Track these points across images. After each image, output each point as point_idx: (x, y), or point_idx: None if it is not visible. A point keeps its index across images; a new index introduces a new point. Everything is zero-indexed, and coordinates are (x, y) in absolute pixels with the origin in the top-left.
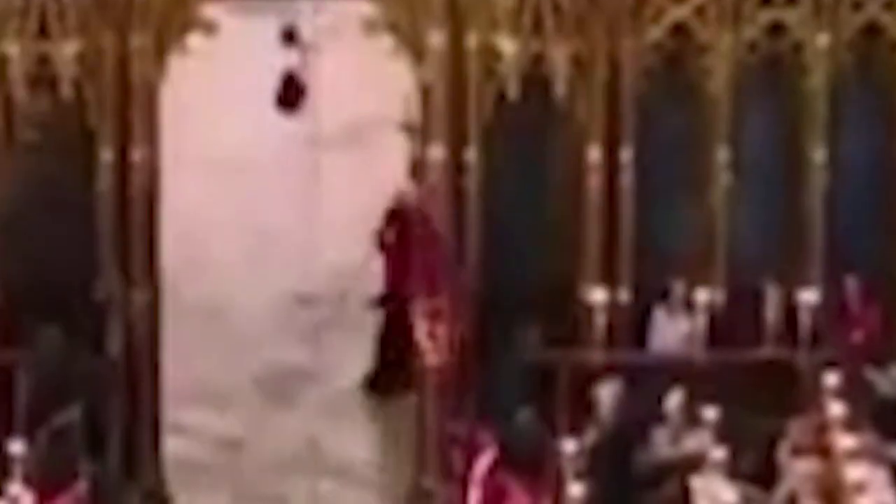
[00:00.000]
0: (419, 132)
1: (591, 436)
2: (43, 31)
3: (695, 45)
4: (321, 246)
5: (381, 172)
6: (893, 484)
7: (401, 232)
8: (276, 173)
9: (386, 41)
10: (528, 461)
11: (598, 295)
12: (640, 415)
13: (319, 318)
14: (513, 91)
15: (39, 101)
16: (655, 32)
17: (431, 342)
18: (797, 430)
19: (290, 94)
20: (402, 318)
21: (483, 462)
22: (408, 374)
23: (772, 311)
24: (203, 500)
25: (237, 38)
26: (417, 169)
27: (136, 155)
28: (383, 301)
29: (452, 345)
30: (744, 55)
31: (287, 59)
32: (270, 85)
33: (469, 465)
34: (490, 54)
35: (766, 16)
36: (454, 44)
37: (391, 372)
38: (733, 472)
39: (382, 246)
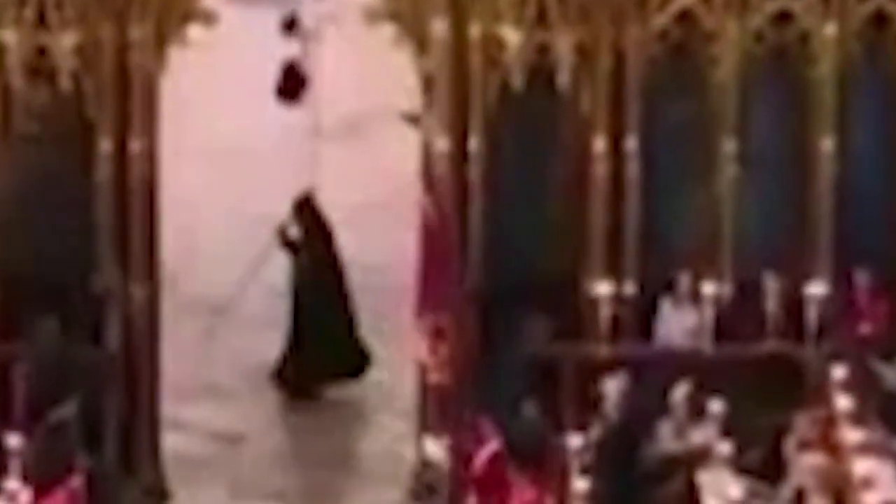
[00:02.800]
0: (423, 123)
1: (596, 430)
2: (41, 21)
3: (701, 34)
4: None
5: (382, 164)
6: None
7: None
8: (277, 165)
9: (388, 30)
10: (532, 456)
11: (603, 287)
12: (646, 409)
13: None
14: (517, 81)
15: (38, 92)
16: (661, 20)
17: (432, 360)
18: (804, 423)
19: (291, 84)
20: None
21: (484, 454)
22: (322, 366)
23: (772, 303)
24: (202, 495)
25: (237, 28)
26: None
27: (136, 146)
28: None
29: (454, 363)
30: (750, 45)
31: (287, 48)
32: (271, 75)
33: (470, 456)
34: (494, 44)
35: (772, 5)
36: (457, 33)
37: (301, 364)
38: (739, 466)
39: (285, 241)
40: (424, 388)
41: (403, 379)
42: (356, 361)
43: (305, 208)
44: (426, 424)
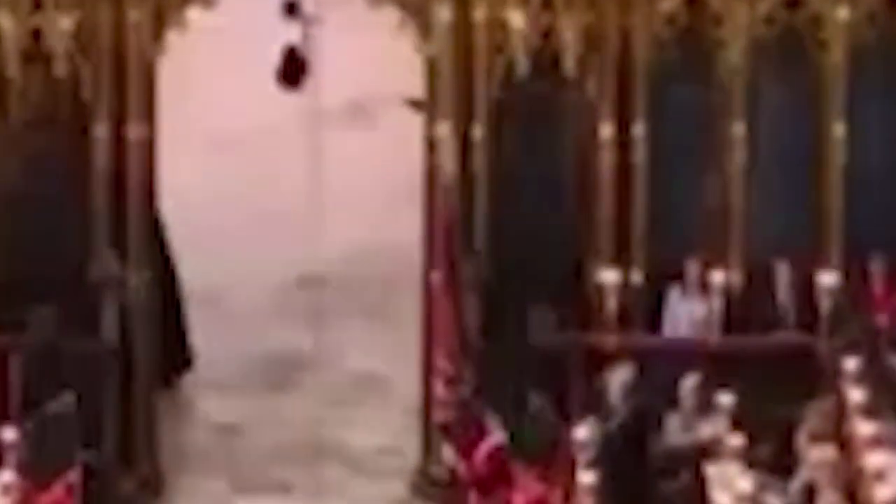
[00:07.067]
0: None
1: (602, 422)
2: (37, 5)
3: (709, 17)
4: (324, 227)
5: (385, 150)
6: None
7: None
8: (278, 151)
9: (391, 14)
10: (539, 449)
11: (609, 276)
12: (654, 401)
13: (322, 302)
14: (522, 66)
15: (33, 77)
16: (668, 4)
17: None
18: (815, 416)
19: (292, 69)
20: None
21: (486, 447)
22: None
23: (783, 291)
24: (201, 487)
25: (237, 11)
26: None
27: (133, 132)
28: None
29: (452, 405)
30: (760, 28)
31: (288, 32)
32: (271, 60)
33: (472, 449)
34: (499, 28)
35: None
36: (462, 17)
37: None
38: (749, 459)
39: None
40: (427, 382)
41: (406, 372)
42: (176, 358)
43: None
44: (428, 419)
